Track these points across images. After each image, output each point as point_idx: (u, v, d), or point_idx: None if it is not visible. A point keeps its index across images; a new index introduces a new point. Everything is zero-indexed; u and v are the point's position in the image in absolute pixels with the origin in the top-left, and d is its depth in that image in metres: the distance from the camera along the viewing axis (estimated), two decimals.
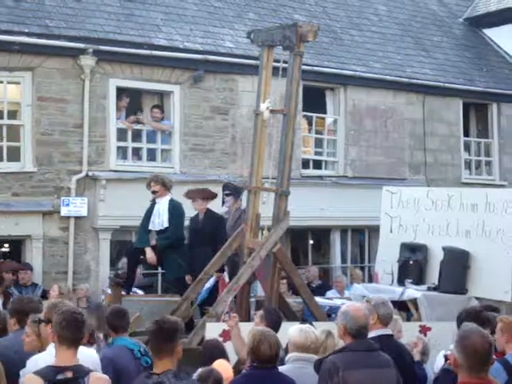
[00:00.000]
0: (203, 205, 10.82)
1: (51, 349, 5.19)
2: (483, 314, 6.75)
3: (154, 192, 10.78)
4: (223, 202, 11.20)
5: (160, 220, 10.67)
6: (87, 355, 5.28)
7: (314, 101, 16.29)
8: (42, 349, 5.56)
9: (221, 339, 7.85)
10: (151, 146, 14.79)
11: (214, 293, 10.27)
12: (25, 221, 13.44)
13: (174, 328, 4.85)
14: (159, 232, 10.73)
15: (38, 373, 4.53)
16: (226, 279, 10.67)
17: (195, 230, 10.85)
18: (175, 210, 10.53)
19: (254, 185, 9.58)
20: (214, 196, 11.00)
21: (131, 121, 14.33)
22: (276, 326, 6.68)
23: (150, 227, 10.72)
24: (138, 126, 14.64)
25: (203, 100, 15.01)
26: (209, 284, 10.40)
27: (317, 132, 16.90)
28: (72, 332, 4.68)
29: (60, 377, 4.48)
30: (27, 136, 13.64)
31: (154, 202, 10.71)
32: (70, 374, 4.50)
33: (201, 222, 10.78)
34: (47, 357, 5.16)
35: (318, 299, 10.55)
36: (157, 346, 4.77)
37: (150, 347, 4.91)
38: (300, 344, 5.99)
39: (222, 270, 10.48)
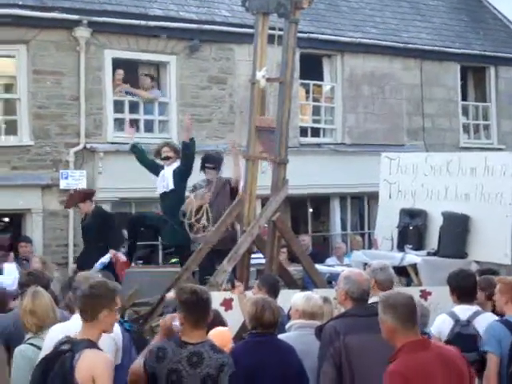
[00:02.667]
0: (88, 206, 11.33)
1: (74, 318, 5.23)
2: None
3: (166, 158, 10.84)
4: (204, 172, 10.94)
5: (165, 183, 10.76)
6: None
7: (311, 68, 16.22)
8: (37, 324, 5.58)
9: (222, 308, 7.89)
10: (148, 117, 14.75)
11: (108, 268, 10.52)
12: (24, 194, 13.44)
13: (209, 298, 4.89)
14: (163, 194, 10.80)
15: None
16: (122, 257, 10.87)
17: (85, 228, 11.41)
18: (181, 174, 10.62)
19: (251, 154, 9.57)
20: (91, 193, 11.54)
21: (118, 91, 14.25)
22: (274, 290, 6.68)
23: (157, 192, 10.89)
24: (135, 98, 14.58)
25: (200, 70, 14.94)
26: (104, 259, 10.66)
27: (314, 100, 16.84)
28: (83, 304, 4.64)
29: (61, 347, 4.50)
30: (23, 109, 13.59)
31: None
32: (66, 347, 4.48)
33: (90, 221, 11.29)
34: (66, 326, 5.19)
35: (319, 266, 10.59)
36: (194, 317, 4.76)
37: (183, 317, 4.80)
38: (307, 311, 6.00)
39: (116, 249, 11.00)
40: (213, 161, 10.77)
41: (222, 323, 6.47)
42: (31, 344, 5.46)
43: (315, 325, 5.82)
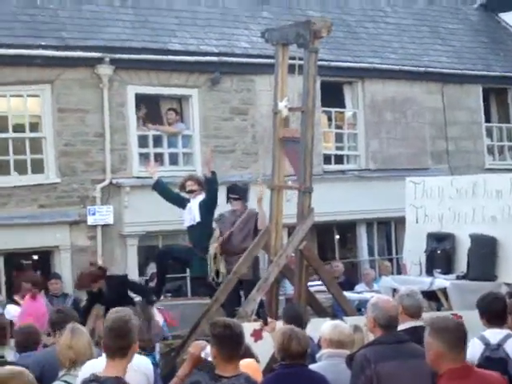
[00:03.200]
0: (101, 283, 10.36)
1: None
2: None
3: (191, 191, 10.88)
4: (228, 202, 10.93)
5: (191, 216, 10.78)
6: (138, 363, 5.13)
7: (332, 96, 16.28)
8: (60, 358, 5.59)
9: (252, 339, 7.87)
10: (172, 150, 14.87)
11: None
12: (52, 232, 13.56)
13: (242, 332, 4.86)
14: (190, 227, 10.83)
15: (82, 380, 4.51)
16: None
17: (106, 303, 10.25)
18: (207, 206, 10.61)
19: (276, 183, 9.61)
20: (102, 274, 10.52)
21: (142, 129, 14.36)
22: (296, 321, 6.56)
23: (184, 224, 10.85)
24: (159, 132, 14.72)
25: (221, 102, 15.06)
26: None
27: (337, 127, 16.88)
28: (113, 342, 4.48)
29: None
30: (49, 148, 13.77)
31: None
32: None
33: (108, 296, 10.34)
34: (99, 362, 5.19)
35: (347, 294, 10.57)
36: (228, 351, 4.72)
37: (216, 351, 4.75)
38: (334, 340, 5.98)
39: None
40: (238, 191, 10.82)
41: (251, 355, 6.45)
42: (64, 381, 5.48)
43: (344, 353, 5.80)
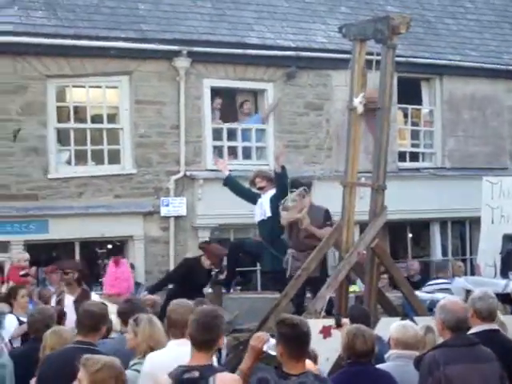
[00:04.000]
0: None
1: (170, 346, 5.31)
2: None
3: (260, 188, 10.88)
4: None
5: (262, 210, 10.78)
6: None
7: (409, 92, 16.07)
8: (138, 348, 5.66)
9: (321, 336, 7.84)
10: (246, 144, 14.92)
11: None
12: (126, 222, 13.78)
13: (309, 330, 4.82)
14: (261, 222, 10.83)
15: (170, 373, 4.54)
16: None
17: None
18: (278, 201, 10.56)
19: (349, 180, 9.53)
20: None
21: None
22: (362, 321, 6.44)
23: (255, 219, 10.86)
24: (234, 125, 14.79)
25: (297, 96, 15.03)
26: None
27: (413, 124, 16.67)
28: (201, 335, 4.56)
29: (187, 375, 4.45)
30: (126, 139, 13.98)
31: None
32: (196, 374, 4.45)
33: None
34: (163, 353, 5.28)
35: (419, 293, 10.41)
36: (294, 349, 4.68)
37: (283, 349, 4.69)
38: (399, 340, 5.93)
39: None
40: (300, 186, 10.71)
41: (309, 355, 6.41)
42: (135, 370, 5.58)
43: (412, 355, 5.74)
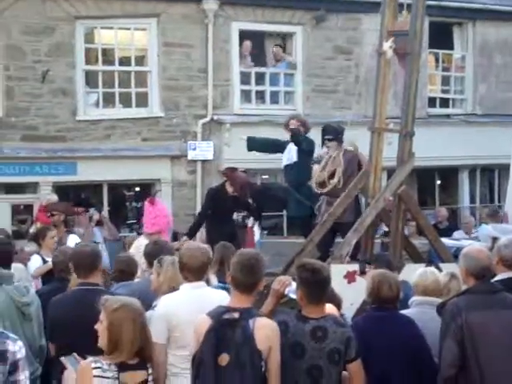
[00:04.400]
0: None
1: (183, 288, 5.36)
2: None
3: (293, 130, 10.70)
4: (323, 144, 10.76)
5: (290, 155, 10.69)
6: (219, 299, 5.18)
7: (441, 37, 15.81)
8: (160, 289, 5.72)
9: (345, 281, 7.88)
10: (274, 88, 14.81)
11: None
12: (154, 165, 13.83)
13: (329, 275, 4.85)
14: (287, 167, 10.77)
15: (209, 312, 4.58)
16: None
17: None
18: (304, 144, 10.48)
19: (377, 125, 9.42)
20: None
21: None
22: (386, 267, 6.42)
23: (283, 163, 10.80)
24: (262, 69, 14.67)
25: (326, 40, 14.86)
26: None
27: (444, 69, 16.44)
28: (245, 277, 4.58)
29: (226, 316, 4.49)
30: (154, 81, 13.95)
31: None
32: (236, 315, 4.48)
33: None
34: (176, 295, 5.32)
35: (445, 240, 10.35)
36: (314, 294, 4.72)
37: (303, 294, 4.74)
38: (421, 287, 5.94)
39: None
40: (332, 132, 10.61)
41: (335, 299, 6.44)
42: None
43: (434, 301, 5.75)
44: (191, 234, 10.82)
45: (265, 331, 4.45)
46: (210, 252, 5.58)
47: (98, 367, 4.04)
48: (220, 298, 5.13)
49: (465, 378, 4.93)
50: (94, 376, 4.03)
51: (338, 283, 7.49)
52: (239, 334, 4.39)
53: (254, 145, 11.23)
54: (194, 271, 5.32)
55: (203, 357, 4.41)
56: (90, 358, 4.10)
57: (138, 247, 9.79)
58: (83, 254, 5.56)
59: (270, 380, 4.46)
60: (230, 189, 10.59)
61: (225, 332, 4.41)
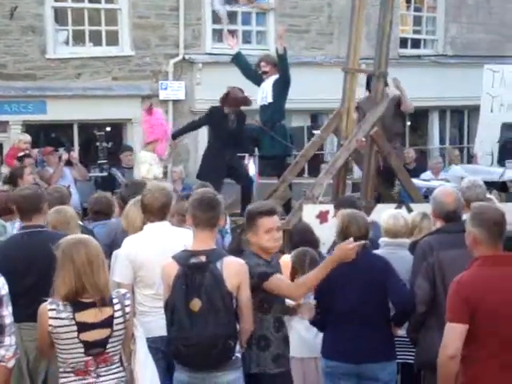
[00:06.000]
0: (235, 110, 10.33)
1: (146, 228, 5.40)
2: None
3: (264, 72, 10.68)
4: (366, 89, 10.65)
5: (264, 95, 10.65)
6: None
7: None
8: (127, 229, 5.71)
9: (317, 221, 7.97)
10: (246, 27, 14.69)
11: None
12: (125, 105, 13.72)
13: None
14: (263, 107, 10.73)
15: (174, 257, 4.56)
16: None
17: (230, 133, 10.28)
18: (280, 86, 10.43)
19: (350, 66, 9.44)
20: (245, 103, 10.35)
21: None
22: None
23: (257, 103, 10.70)
24: (234, 8, 14.51)
25: None
26: None
27: (415, 9, 16.39)
28: (204, 212, 4.55)
29: (193, 260, 4.48)
30: (124, 20, 13.75)
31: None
32: (203, 258, 4.47)
33: (236, 127, 10.31)
34: (138, 237, 5.37)
35: (415, 181, 10.50)
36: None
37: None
38: (389, 229, 6.08)
39: None
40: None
41: (313, 240, 6.54)
42: None
43: (401, 243, 5.94)
44: (176, 136, 10.91)
45: (233, 270, 4.47)
46: (171, 192, 5.60)
47: (53, 309, 4.01)
48: (183, 235, 5.17)
49: (435, 315, 5.06)
50: (50, 318, 4.00)
51: (310, 223, 7.61)
52: (209, 278, 4.41)
53: (239, 59, 10.89)
54: (155, 212, 5.36)
55: (175, 303, 4.44)
56: (49, 300, 4.04)
57: (140, 158, 9.97)
58: (24, 198, 5.43)
59: (242, 316, 4.52)
60: (228, 110, 10.30)
61: (194, 277, 4.42)
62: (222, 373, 4.45)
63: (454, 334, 4.07)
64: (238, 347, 4.51)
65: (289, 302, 5.01)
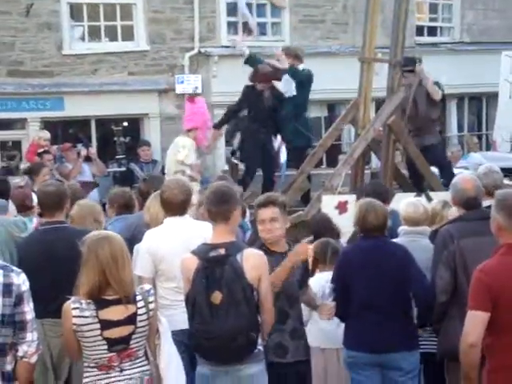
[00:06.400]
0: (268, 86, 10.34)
1: (166, 221, 5.41)
2: None
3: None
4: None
5: (287, 88, 10.55)
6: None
7: None
8: (150, 223, 5.72)
9: (336, 211, 7.96)
10: (261, 19, 14.66)
11: None
12: (141, 99, 13.75)
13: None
14: (287, 99, 10.60)
15: (193, 251, 4.55)
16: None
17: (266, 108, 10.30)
18: (303, 77, 10.33)
19: (366, 55, 9.40)
20: (278, 77, 10.34)
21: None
22: (377, 197, 6.45)
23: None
24: (248, 0, 14.48)
25: None
26: None
27: None
28: (217, 206, 4.52)
29: (213, 253, 4.46)
30: (139, 14, 13.77)
31: None
32: (222, 251, 4.45)
33: (271, 102, 10.34)
34: (159, 230, 5.39)
35: (434, 169, 10.44)
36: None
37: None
38: (408, 217, 6.03)
39: None
40: (409, 63, 10.45)
41: (332, 229, 6.53)
42: None
43: (422, 230, 5.89)
44: (219, 126, 10.91)
45: (253, 262, 4.45)
46: (190, 188, 5.60)
47: (77, 307, 4.00)
48: (204, 228, 5.16)
49: (458, 304, 5.03)
50: (74, 316, 3.99)
51: (329, 213, 7.61)
52: (229, 271, 4.40)
53: (251, 63, 10.76)
54: (174, 208, 5.39)
55: (196, 296, 4.43)
56: (72, 298, 4.04)
57: (180, 142, 10.01)
58: (47, 194, 5.42)
59: (263, 308, 4.51)
60: (261, 87, 10.31)
61: (214, 270, 4.42)
62: (244, 366, 4.44)
63: (475, 322, 4.04)
64: (260, 340, 4.50)
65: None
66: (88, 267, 4.00)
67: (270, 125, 10.16)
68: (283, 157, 11.48)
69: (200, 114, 10.24)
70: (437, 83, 9.81)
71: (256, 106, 10.17)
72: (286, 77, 10.48)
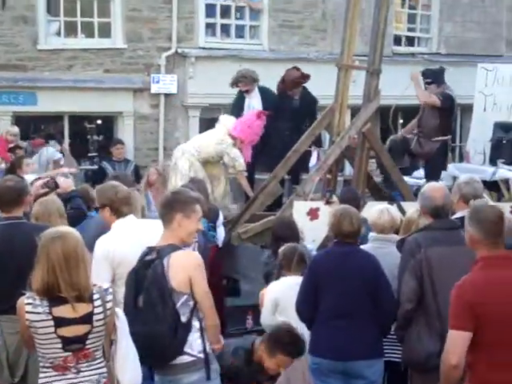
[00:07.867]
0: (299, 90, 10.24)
1: (114, 228, 5.36)
2: None
3: (247, 91, 10.31)
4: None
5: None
6: None
7: None
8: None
9: (308, 218, 7.91)
10: (240, 22, 14.61)
11: None
12: (116, 97, 13.64)
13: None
14: None
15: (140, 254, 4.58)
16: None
17: (293, 112, 10.17)
18: (268, 96, 10.22)
19: (344, 62, 9.38)
20: (305, 81, 10.29)
21: None
22: (351, 203, 6.43)
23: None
24: (227, 2, 14.43)
25: None
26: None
27: (410, 7, 16.36)
28: (160, 210, 4.61)
29: (148, 257, 4.50)
30: (117, 12, 13.66)
31: (241, 94, 10.35)
32: (154, 255, 4.47)
33: (298, 103, 10.24)
34: (109, 236, 5.33)
35: (407, 179, 10.45)
36: None
37: None
38: (374, 224, 6.06)
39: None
40: (429, 75, 10.43)
41: (296, 235, 6.51)
42: None
43: (390, 238, 5.91)
44: None
45: (180, 264, 4.40)
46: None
47: (30, 303, 3.92)
48: (154, 226, 5.04)
49: (423, 313, 5.02)
50: (27, 312, 3.92)
51: (300, 220, 7.57)
52: (150, 274, 4.40)
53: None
54: (118, 207, 5.37)
55: (125, 299, 4.50)
56: (27, 294, 3.96)
57: (221, 138, 9.41)
58: (5, 190, 5.36)
59: (202, 312, 4.46)
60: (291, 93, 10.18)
61: (142, 273, 4.45)
62: (183, 375, 4.42)
63: (457, 342, 3.97)
64: (201, 347, 4.43)
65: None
66: (39, 264, 3.92)
67: (293, 126, 10.03)
68: (313, 160, 11.27)
69: (253, 133, 9.77)
70: (444, 93, 10.14)
71: (284, 106, 10.06)
72: (246, 106, 10.21)
